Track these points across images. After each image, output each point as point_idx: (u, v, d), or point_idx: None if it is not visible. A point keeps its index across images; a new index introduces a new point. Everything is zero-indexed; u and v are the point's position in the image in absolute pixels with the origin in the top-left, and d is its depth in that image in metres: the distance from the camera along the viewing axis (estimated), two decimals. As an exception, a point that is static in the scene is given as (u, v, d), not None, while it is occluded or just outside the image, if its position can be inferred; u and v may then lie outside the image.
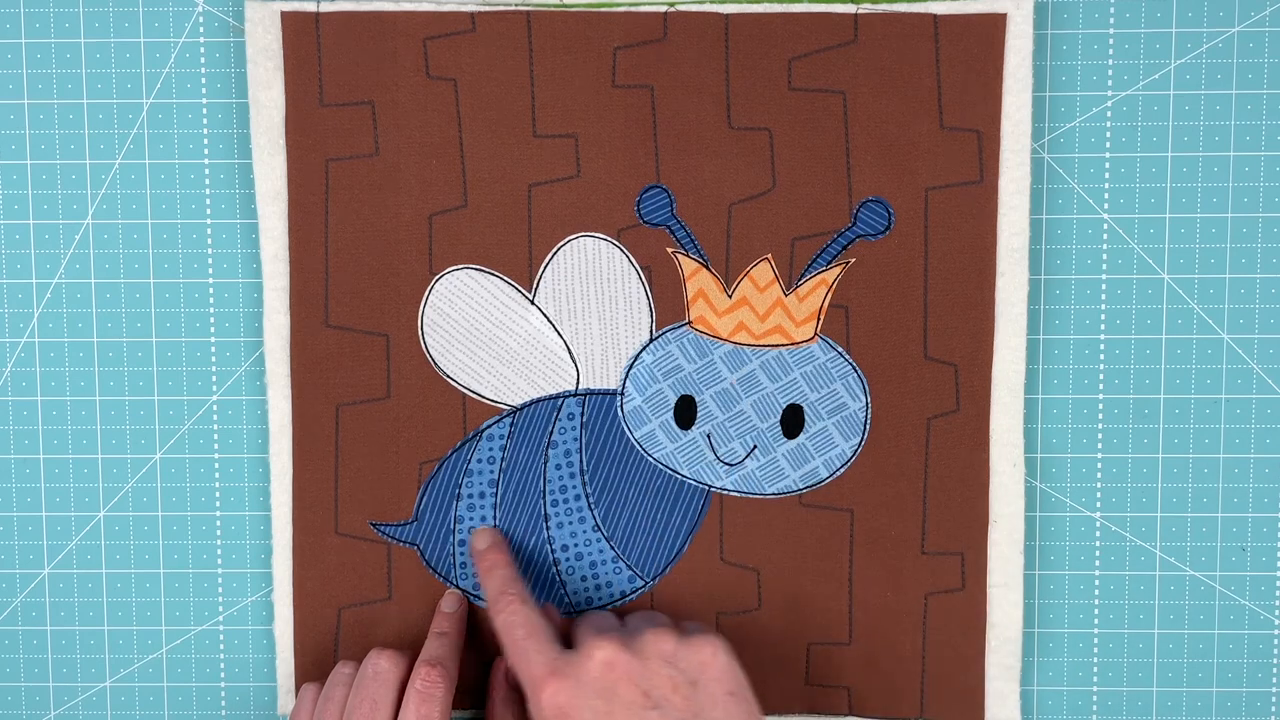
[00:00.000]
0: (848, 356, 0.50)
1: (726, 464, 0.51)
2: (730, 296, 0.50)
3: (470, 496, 0.51)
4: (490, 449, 0.51)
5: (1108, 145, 0.50)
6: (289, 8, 0.49)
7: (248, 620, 0.52)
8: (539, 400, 0.51)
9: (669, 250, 0.50)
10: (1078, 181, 0.50)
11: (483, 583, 0.49)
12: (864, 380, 0.50)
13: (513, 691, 0.50)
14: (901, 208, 0.50)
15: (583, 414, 0.51)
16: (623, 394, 0.51)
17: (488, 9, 0.49)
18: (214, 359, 0.51)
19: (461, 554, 0.51)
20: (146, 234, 0.51)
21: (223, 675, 0.53)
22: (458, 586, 0.51)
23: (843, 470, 0.51)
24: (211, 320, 0.51)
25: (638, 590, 0.51)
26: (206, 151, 0.51)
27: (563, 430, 0.51)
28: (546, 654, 0.44)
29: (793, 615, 0.51)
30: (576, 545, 0.51)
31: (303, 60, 0.49)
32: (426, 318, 0.50)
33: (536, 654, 0.44)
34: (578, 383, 0.51)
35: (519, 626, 0.45)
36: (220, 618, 0.52)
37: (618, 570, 0.51)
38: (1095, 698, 0.52)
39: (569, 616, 0.51)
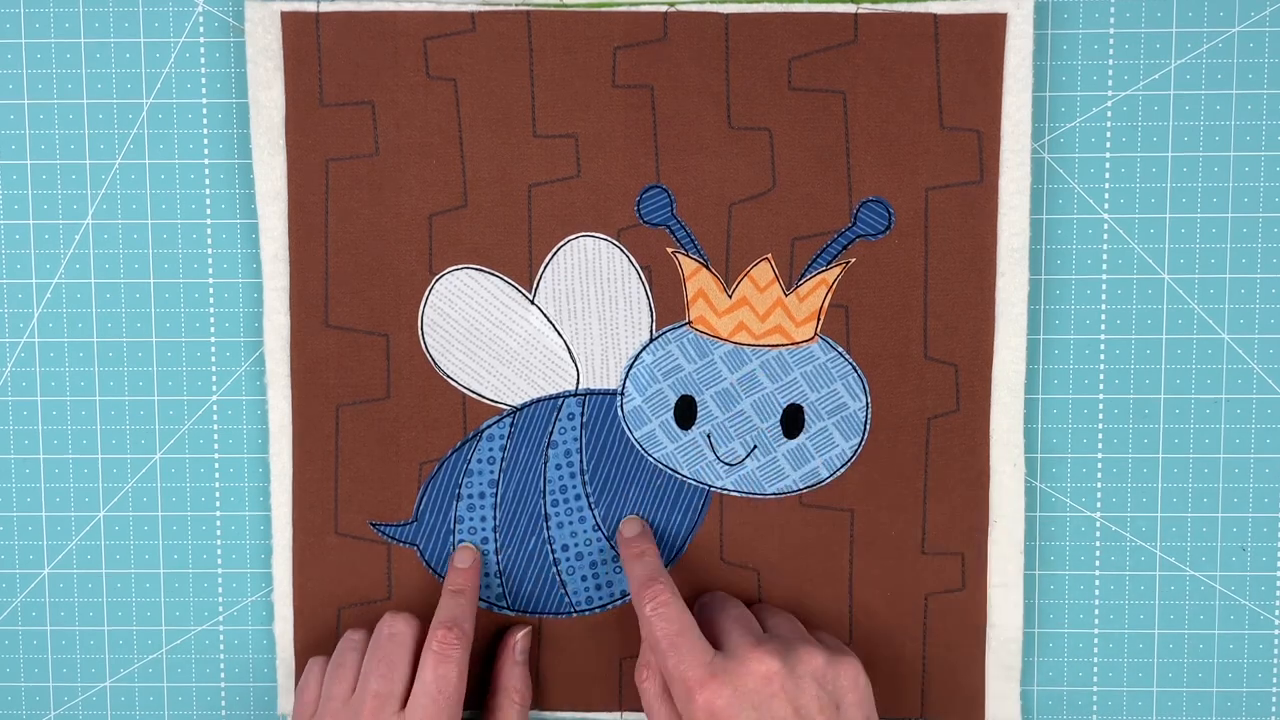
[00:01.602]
0: (848, 356, 0.50)
1: (726, 464, 0.51)
2: (730, 296, 0.50)
3: (470, 496, 0.51)
4: (490, 449, 0.51)
5: (1108, 145, 0.50)
6: (289, 8, 0.49)
7: (248, 620, 0.52)
8: (539, 400, 0.51)
9: (669, 250, 0.50)
10: (1078, 181, 0.50)
11: (629, 569, 0.48)
12: (864, 380, 0.50)
13: (518, 666, 0.50)
14: (901, 208, 0.49)
15: (583, 414, 0.51)
16: (623, 394, 0.51)
17: (488, 9, 0.49)
18: (214, 359, 0.51)
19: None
20: (146, 234, 0.51)
21: (223, 675, 0.53)
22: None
23: (843, 470, 0.51)
24: (211, 320, 0.51)
25: (638, 590, 0.51)
26: (206, 151, 0.51)
27: (563, 430, 0.51)
28: (702, 655, 0.44)
29: (793, 615, 0.51)
30: (577, 545, 0.51)
31: (303, 60, 0.49)
32: (426, 318, 0.50)
33: (691, 653, 0.44)
34: (578, 383, 0.51)
35: (672, 621, 0.45)
36: (220, 618, 0.52)
37: (618, 570, 0.51)
38: (1095, 698, 0.52)
39: (582, 615, 0.51)
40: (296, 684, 0.51)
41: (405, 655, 0.47)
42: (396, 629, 0.48)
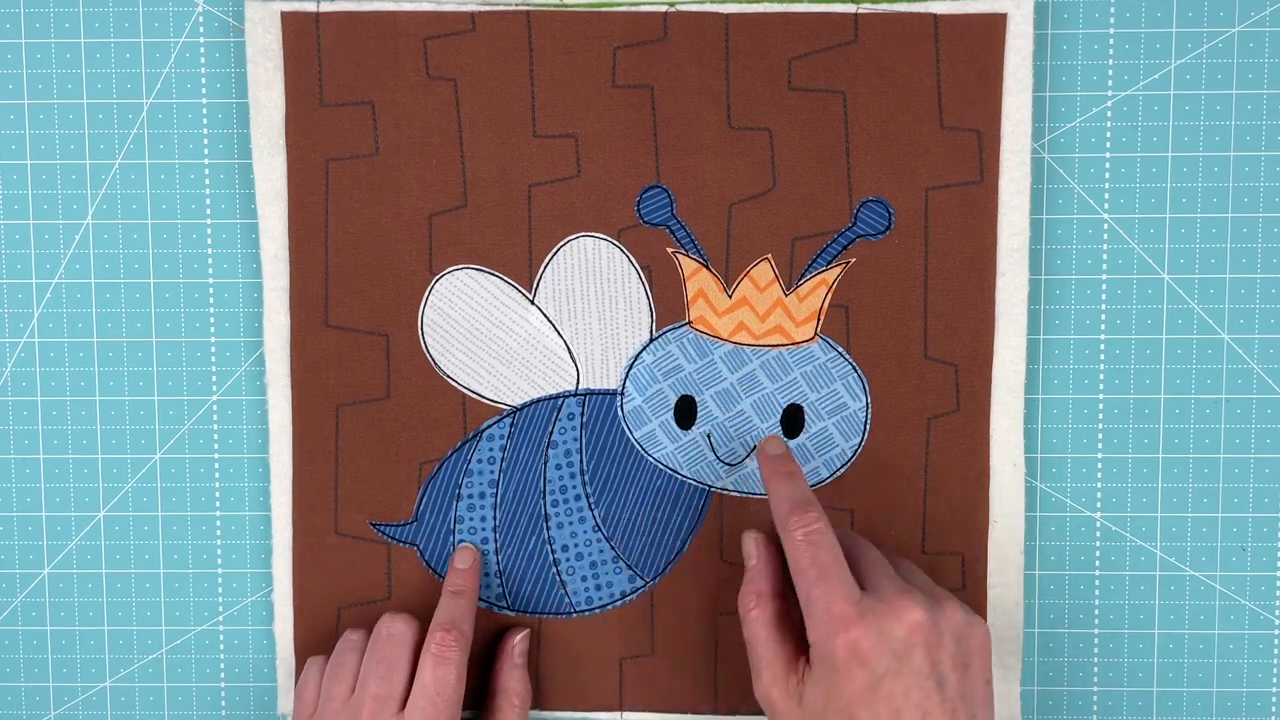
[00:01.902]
0: (848, 356, 0.50)
1: (726, 464, 0.51)
2: (730, 296, 0.50)
3: (470, 496, 0.51)
4: (490, 449, 0.51)
5: (1108, 145, 0.50)
6: (289, 8, 0.49)
7: (248, 620, 0.52)
8: (539, 400, 0.51)
9: (669, 250, 0.50)
10: (1078, 181, 0.50)
11: (775, 488, 0.46)
12: (864, 380, 0.50)
13: (517, 668, 0.50)
14: (901, 208, 0.49)
15: (583, 414, 0.51)
16: (623, 394, 0.51)
17: (488, 9, 0.49)
18: (214, 359, 0.51)
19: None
20: (146, 234, 0.51)
21: (223, 675, 0.53)
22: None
23: (843, 470, 0.51)
24: (211, 320, 0.51)
25: (638, 590, 0.51)
26: (206, 151, 0.51)
27: (563, 430, 0.51)
28: (853, 593, 0.43)
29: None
30: (577, 545, 0.51)
31: (303, 60, 0.49)
32: (426, 318, 0.50)
33: (842, 589, 0.43)
34: (578, 383, 0.51)
35: (824, 550, 0.44)
36: (220, 618, 0.52)
37: (618, 570, 0.51)
38: (1095, 698, 0.52)
39: (582, 615, 0.51)
40: (296, 684, 0.51)
41: (404, 656, 0.47)
42: (395, 630, 0.48)
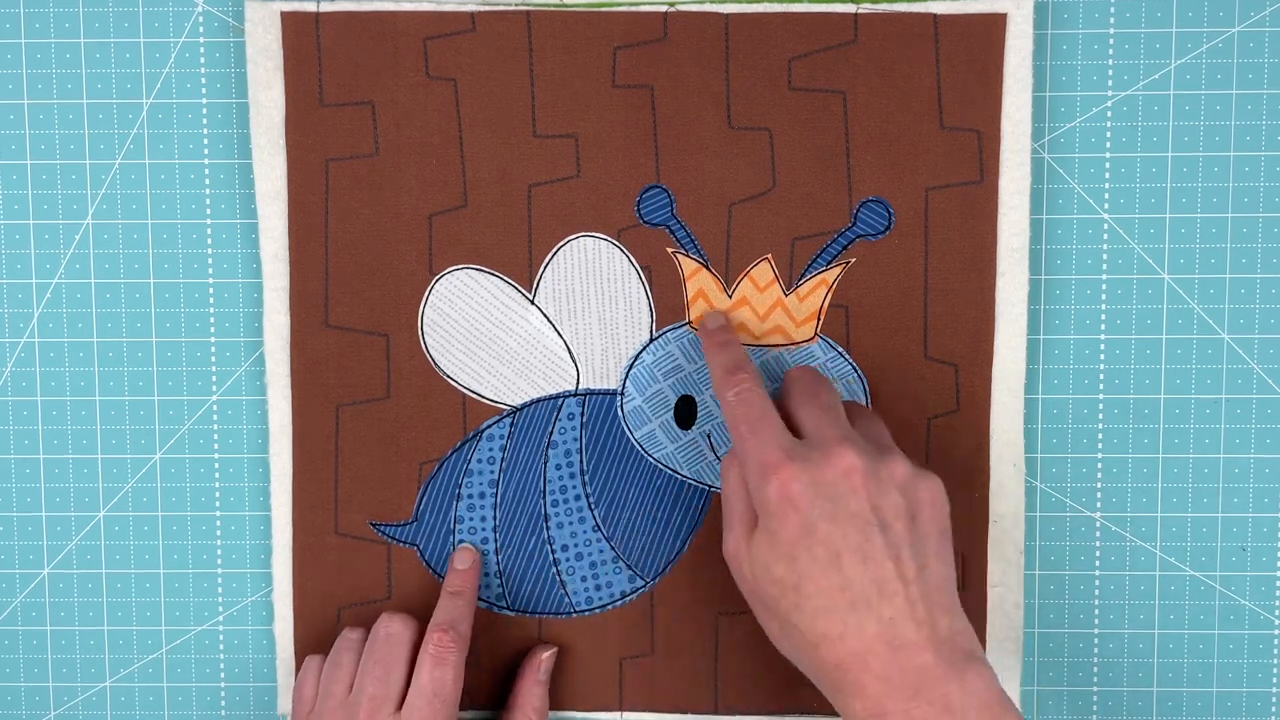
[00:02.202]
0: (848, 356, 0.50)
1: (726, 464, 0.51)
2: (730, 296, 0.50)
3: (470, 496, 0.51)
4: (490, 449, 0.51)
5: (1108, 145, 0.50)
6: (289, 8, 0.49)
7: (248, 620, 0.52)
8: (539, 400, 0.51)
9: (669, 250, 0.50)
10: (1078, 181, 0.50)
11: (712, 358, 0.47)
12: (864, 380, 0.50)
13: (539, 685, 0.50)
14: (901, 208, 0.49)
15: (583, 414, 0.51)
16: (623, 394, 0.51)
17: (488, 9, 0.49)
18: (214, 359, 0.51)
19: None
20: (146, 234, 0.51)
21: (223, 675, 0.53)
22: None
23: (843, 470, 0.50)
24: (211, 320, 0.51)
25: (638, 590, 0.51)
26: (206, 151, 0.51)
27: (563, 430, 0.51)
28: (782, 440, 0.43)
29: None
30: (577, 545, 0.51)
31: (303, 60, 0.49)
32: (426, 318, 0.50)
33: (772, 437, 0.43)
34: (578, 383, 0.51)
35: (754, 406, 0.44)
36: (220, 618, 0.52)
37: (618, 570, 0.51)
38: (1095, 698, 0.52)
39: (582, 615, 0.51)
40: (295, 683, 0.51)
41: (402, 656, 0.47)
42: (393, 630, 0.48)
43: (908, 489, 0.43)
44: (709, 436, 0.51)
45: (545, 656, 0.50)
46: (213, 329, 0.51)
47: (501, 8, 0.49)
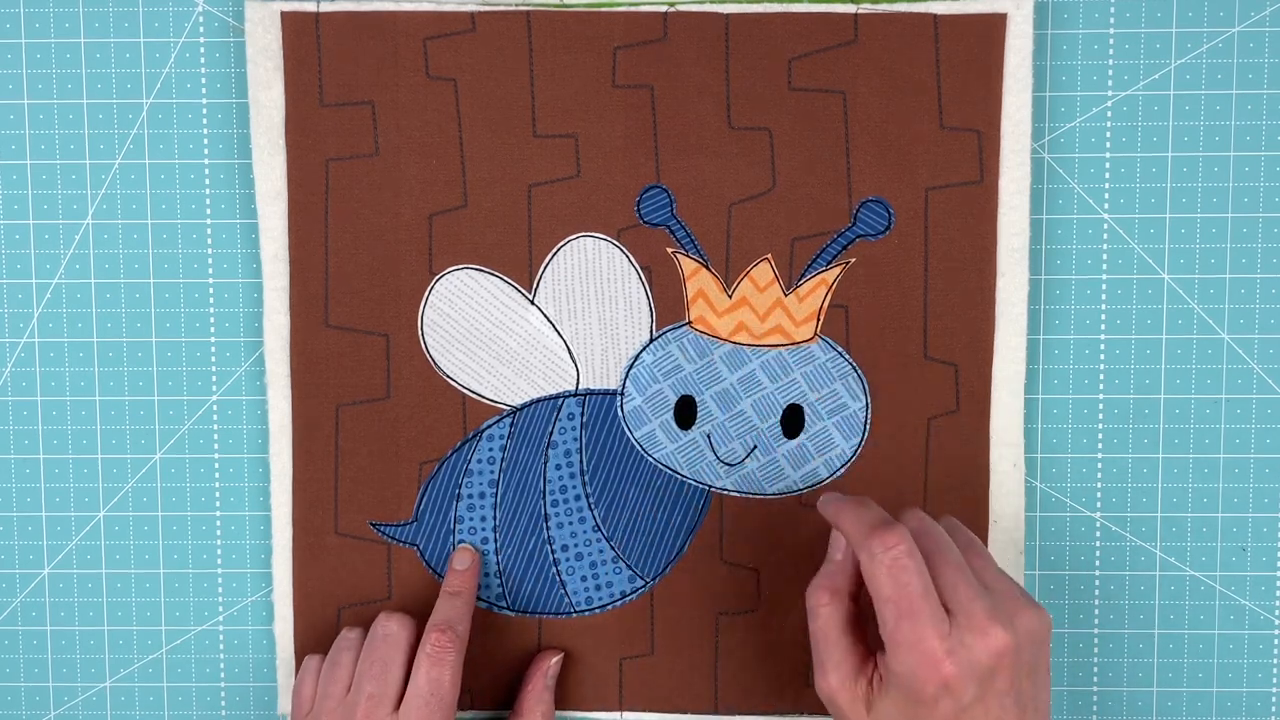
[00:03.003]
0: (848, 356, 0.50)
1: (726, 464, 0.51)
2: (730, 296, 0.50)
3: (470, 497, 0.51)
4: (490, 449, 0.51)
5: (1108, 145, 0.50)
6: (289, 8, 0.49)
7: (248, 620, 0.52)
8: (539, 400, 0.51)
9: (669, 250, 0.50)
10: (1078, 181, 0.50)
11: (852, 513, 0.44)
12: (864, 380, 0.50)
13: (546, 691, 0.50)
14: (901, 208, 0.49)
15: (583, 414, 0.51)
16: (623, 394, 0.51)
17: (488, 9, 0.49)
18: (214, 359, 0.51)
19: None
20: (146, 234, 0.51)
21: (223, 675, 0.53)
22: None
23: (843, 470, 0.50)
24: (211, 320, 0.51)
25: (638, 590, 0.51)
26: (206, 151, 0.51)
27: (563, 430, 0.51)
28: (941, 627, 0.42)
29: (793, 615, 0.51)
30: (577, 545, 0.51)
31: (303, 60, 0.49)
32: (426, 318, 0.50)
33: (931, 624, 0.42)
34: (578, 383, 0.51)
35: (913, 580, 0.42)
36: (220, 618, 0.52)
37: (618, 570, 0.51)
38: (1095, 698, 0.52)
39: (582, 615, 0.51)
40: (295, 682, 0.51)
41: (399, 656, 0.47)
42: (390, 629, 0.48)
43: (1036, 640, 0.43)
44: (709, 436, 0.51)
45: (553, 662, 0.50)
46: (213, 329, 0.51)
47: (501, 8, 0.49)
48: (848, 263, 0.50)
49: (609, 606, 0.51)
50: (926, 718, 0.42)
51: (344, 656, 0.49)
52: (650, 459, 0.51)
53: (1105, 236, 0.50)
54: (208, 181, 0.51)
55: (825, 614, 0.44)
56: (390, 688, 0.47)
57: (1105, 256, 0.51)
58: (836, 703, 0.44)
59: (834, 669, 0.44)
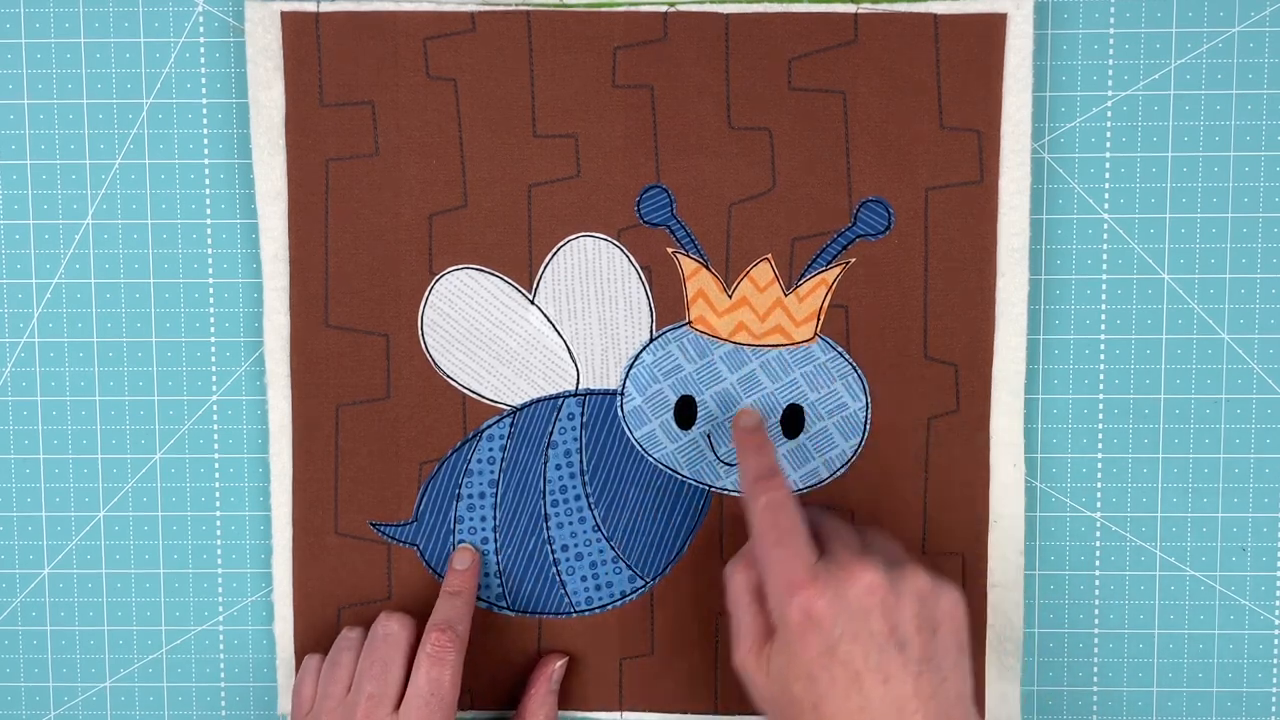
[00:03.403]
0: (848, 356, 0.50)
1: (727, 464, 0.51)
2: (730, 296, 0.50)
3: (470, 497, 0.51)
4: (490, 449, 0.51)
5: (1108, 145, 0.50)
6: (289, 8, 0.49)
7: (248, 620, 0.52)
8: (539, 400, 0.51)
9: (669, 250, 0.50)
10: (1078, 181, 0.50)
11: (744, 460, 0.47)
12: (864, 380, 0.50)
13: (550, 695, 0.50)
14: (901, 208, 0.50)
15: (583, 414, 0.51)
16: (623, 394, 0.51)
17: (488, 9, 0.49)
18: (214, 359, 0.51)
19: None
20: (146, 234, 0.51)
21: (223, 675, 0.53)
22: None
23: (843, 470, 0.51)
24: (211, 320, 0.51)
25: (638, 590, 0.51)
26: (206, 151, 0.51)
27: (563, 430, 0.51)
28: (808, 555, 0.43)
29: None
30: (577, 545, 0.51)
31: (303, 60, 0.49)
32: (426, 318, 0.50)
33: (797, 555, 0.43)
34: (578, 383, 0.51)
35: (785, 516, 0.44)
36: (220, 618, 0.52)
37: (618, 570, 0.51)
38: (1095, 698, 0.52)
39: (582, 615, 0.51)
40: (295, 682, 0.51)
41: (399, 656, 0.47)
42: (391, 629, 0.48)
43: (928, 602, 0.43)
44: (709, 436, 0.51)
45: (557, 666, 0.50)
46: (213, 329, 0.51)
47: (501, 8, 0.49)
48: (848, 263, 0.50)
49: (609, 606, 0.51)
50: (803, 655, 0.42)
51: (344, 656, 0.49)
52: (650, 459, 0.51)
53: (1105, 236, 0.51)
54: (208, 181, 0.51)
55: (736, 582, 0.45)
56: (390, 687, 0.47)
57: (1105, 256, 0.51)
58: (746, 668, 0.44)
59: (743, 636, 0.44)
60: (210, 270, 0.51)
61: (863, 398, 0.50)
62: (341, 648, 0.49)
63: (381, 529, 0.51)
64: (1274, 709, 0.52)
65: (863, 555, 0.43)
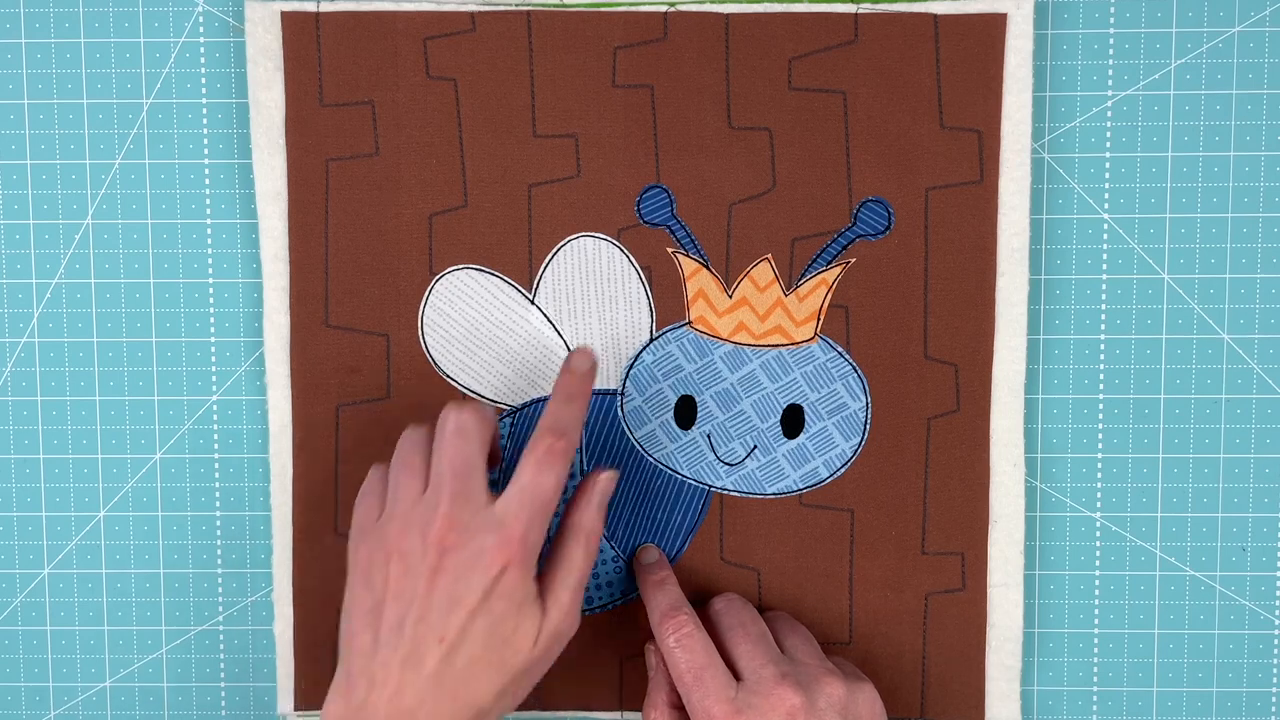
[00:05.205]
0: (848, 356, 0.50)
1: (726, 464, 0.51)
2: (730, 296, 0.50)
3: (470, 496, 0.51)
4: (490, 449, 0.51)
5: (1108, 145, 0.50)
6: (289, 8, 0.49)
7: (248, 620, 0.52)
8: (539, 400, 0.51)
9: (669, 250, 0.50)
10: (1078, 181, 0.50)
11: (650, 597, 0.48)
12: (864, 380, 0.50)
13: (601, 498, 0.46)
14: (901, 208, 0.50)
15: (583, 414, 0.51)
16: (623, 394, 0.51)
17: (488, 9, 0.49)
18: (214, 359, 0.51)
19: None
20: (146, 234, 0.51)
21: (223, 675, 0.53)
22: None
23: (843, 470, 0.51)
24: (211, 320, 0.51)
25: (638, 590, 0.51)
26: (206, 151, 0.51)
27: (563, 430, 0.51)
28: (726, 690, 0.44)
29: (793, 615, 0.51)
30: (576, 545, 0.51)
31: (303, 60, 0.49)
32: (426, 318, 0.50)
33: (716, 689, 0.44)
34: (578, 383, 0.51)
35: (696, 654, 0.45)
36: (220, 618, 0.52)
37: (618, 570, 0.51)
38: (1095, 698, 0.52)
39: (584, 615, 0.51)
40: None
41: (478, 451, 0.43)
42: (464, 422, 0.43)
43: (847, 710, 0.44)
44: (709, 436, 0.51)
45: (605, 476, 0.46)
46: (213, 329, 0.51)
47: (501, 8, 0.49)
48: (848, 263, 0.50)
49: (609, 606, 0.51)
50: None
51: (415, 459, 0.44)
52: (650, 459, 0.51)
53: (1105, 236, 0.51)
54: (208, 181, 0.51)
55: (652, 716, 0.47)
56: (475, 483, 0.43)
57: (1105, 256, 0.51)
58: None
59: None
60: (210, 270, 0.51)
61: (863, 398, 0.50)
62: (409, 449, 0.45)
63: (381, 529, 0.51)
64: (1274, 709, 0.52)
65: (781, 679, 0.44)
